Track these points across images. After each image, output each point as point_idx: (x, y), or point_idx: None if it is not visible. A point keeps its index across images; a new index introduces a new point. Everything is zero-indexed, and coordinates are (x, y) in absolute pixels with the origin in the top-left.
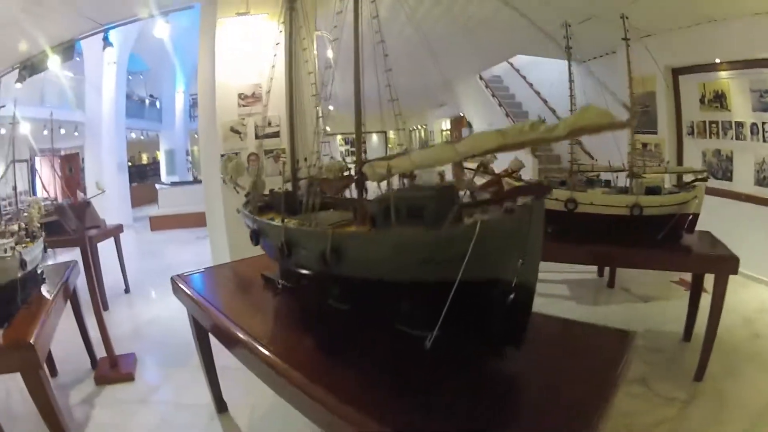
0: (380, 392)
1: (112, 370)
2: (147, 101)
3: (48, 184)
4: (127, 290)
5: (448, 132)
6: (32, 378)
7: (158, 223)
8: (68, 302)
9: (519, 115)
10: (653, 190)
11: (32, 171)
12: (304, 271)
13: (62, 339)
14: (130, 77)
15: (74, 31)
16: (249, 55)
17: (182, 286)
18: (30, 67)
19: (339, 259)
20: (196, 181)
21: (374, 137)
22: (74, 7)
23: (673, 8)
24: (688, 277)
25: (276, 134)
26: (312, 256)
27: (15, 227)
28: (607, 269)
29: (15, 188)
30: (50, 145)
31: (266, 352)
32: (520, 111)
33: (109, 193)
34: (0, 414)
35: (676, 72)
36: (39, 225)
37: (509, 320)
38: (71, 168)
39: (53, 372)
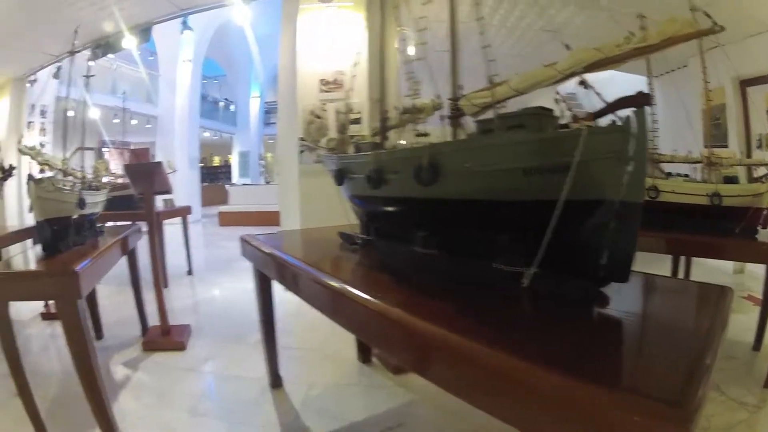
0: (476, 332)
1: (164, 337)
2: (222, 104)
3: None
4: (189, 272)
5: None
6: (69, 308)
7: (227, 219)
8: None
9: None
10: (731, 180)
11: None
12: (390, 209)
13: (114, 309)
14: (205, 81)
15: (152, 14)
16: (331, 42)
17: (252, 242)
18: (104, 46)
19: (436, 175)
20: (267, 184)
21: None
22: None
23: (740, 16)
24: (756, 294)
25: (357, 121)
26: (405, 178)
27: (80, 174)
28: (680, 273)
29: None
30: (119, 135)
31: (349, 288)
32: None
33: (178, 187)
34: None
35: (745, 83)
36: (103, 182)
37: (614, 249)
38: (140, 162)
39: (99, 335)
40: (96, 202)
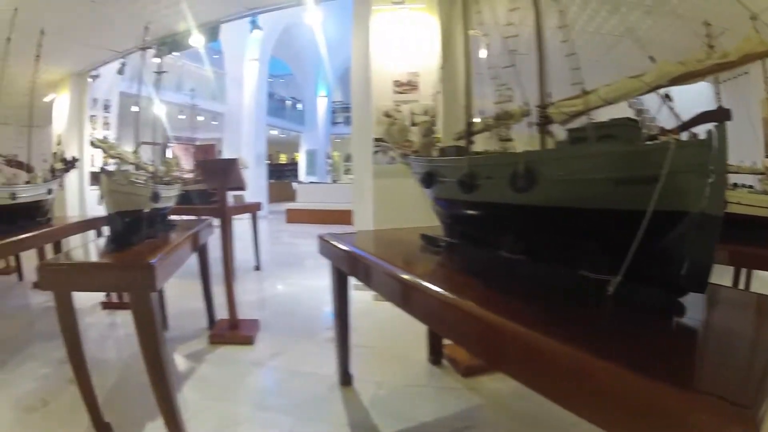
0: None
1: (231, 331)
2: (289, 102)
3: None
4: (257, 267)
5: None
6: (142, 300)
7: (294, 216)
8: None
9: None
10: None
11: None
12: (479, 213)
13: (180, 300)
14: (271, 79)
15: (221, 13)
16: (404, 44)
17: (331, 240)
18: (171, 44)
19: (531, 182)
20: (334, 183)
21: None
22: None
23: None
24: None
25: (432, 123)
26: (499, 184)
27: (151, 168)
28: (741, 284)
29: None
30: (186, 131)
31: (429, 285)
32: None
33: (246, 184)
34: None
35: None
36: (175, 176)
37: (694, 260)
38: (206, 158)
39: (165, 325)
40: (169, 196)
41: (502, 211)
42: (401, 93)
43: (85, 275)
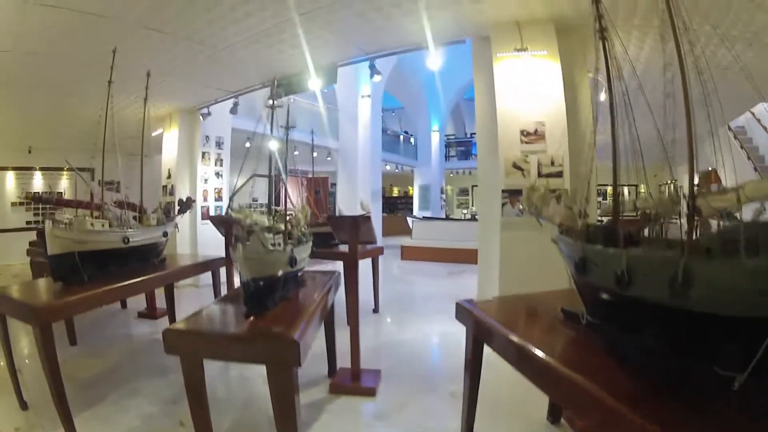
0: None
1: (354, 382)
2: (401, 137)
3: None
4: (375, 310)
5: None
6: (283, 376)
7: (409, 253)
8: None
9: (764, 170)
10: None
11: (275, 185)
12: (624, 302)
13: None
14: (382, 113)
15: (338, 56)
16: (529, 91)
17: (469, 308)
18: (287, 86)
19: (688, 287)
20: (449, 218)
21: (625, 190)
22: (344, 34)
23: None
24: None
25: (559, 174)
26: (656, 283)
27: (282, 226)
28: None
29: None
30: (302, 165)
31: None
32: (763, 165)
33: (376, 237)
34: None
35: None
36: (306, 230)
37: None
38: (318, 190)
39: None
40: (303, 257)
41: (653, 308)
42: (528, 143)
43: (219, 345)
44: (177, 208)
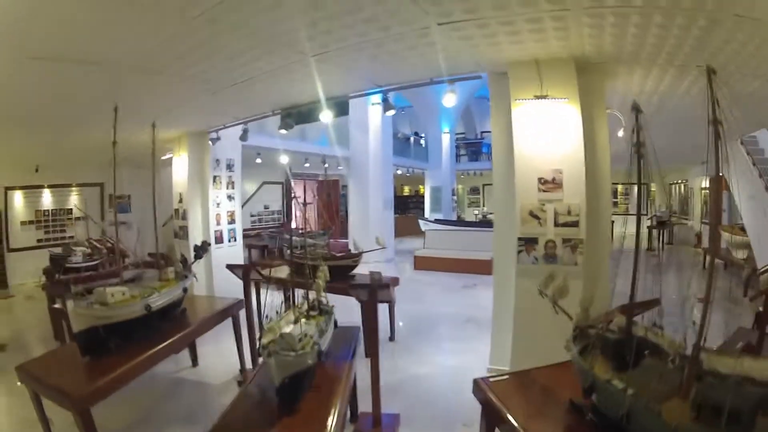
0: None
1: (375, 428)
2: (412, 139)
3: (303, 206)
4: (391, 338)
5: (707, 190)
6: None
7: (422, 263)
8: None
9: None
10: None
11: (287, 193)
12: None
13: None
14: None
15: (349, 89)
16: (548, 137)
17: (484, 387)
18: (297, 115)
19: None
20: (461, 220)
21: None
22: (355, 71)
23: None
24: None
25: (575, 223)
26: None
27: (305, 306)
28: None
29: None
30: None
31: None
32: None
33: (373, 228)
34: None
35: None
36: (326, 298)
37: None
38: (329, 194)
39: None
40: (328, 338)
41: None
42: (545, 191)
43: None
44: (193, 254)
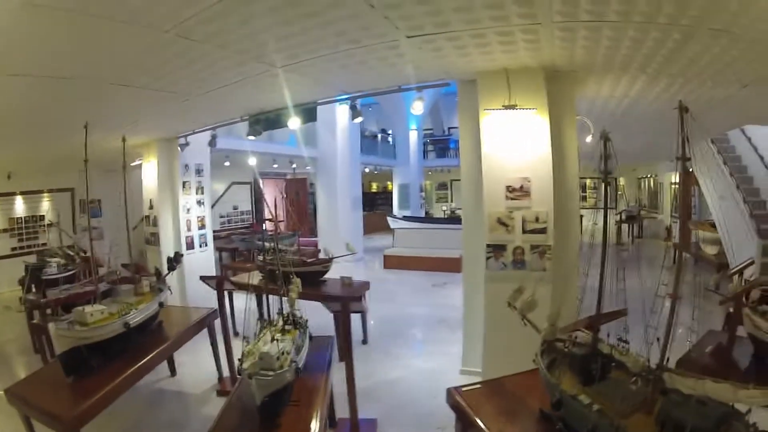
0: None
1: None
2: (379, 136)
3: (272, 206)
4: (364, 341)
5: (676, 185)
6: None
7: (392, 262)
8: None
9: (744, 181)
10: None
11: (255, 193)
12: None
13: None
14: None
15: (318, 96)
16: (516, 146)
17: (457, 398)
18: (265, 122)
19: None
20: (429, 217)
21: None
22: (325, 80)
23: None
24: None
25: (543, 230)
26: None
27: (280, 321)
28: None
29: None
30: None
31: None
32: (746, 175)
33: (341, 228)
34: None
35: None
36: (299, 312)
37: None
38: (298, 192)
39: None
40: (303, 354)
41: None
42: (513, 199)
43: None
44: (165, 266)
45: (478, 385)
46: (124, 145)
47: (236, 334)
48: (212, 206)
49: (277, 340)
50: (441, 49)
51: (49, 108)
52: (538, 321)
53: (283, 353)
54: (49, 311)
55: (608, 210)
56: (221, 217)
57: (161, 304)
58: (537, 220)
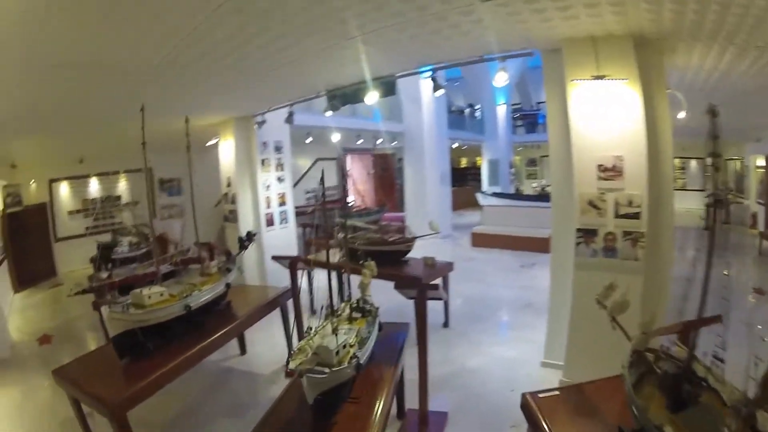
0: None
1: (421, 428)
2: (467, 111)
3: (359, 182)
4: (446, 324)
5: (764, 169)
6: None
7: (480, 240)
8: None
9: None
10: None
11: (342, 169)
12: None
13: None
14: (445, 84)
15: (396, 69)
16: (607, 121)
17: (531, 405)
18: (342, 96)
19: None
20: (519, 193)
21: (692, 163)
22: (400, 52)
23: None
24: None
25: (636, 215)
26: None
27: (347, 309)
28: None
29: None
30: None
31: None
32: None
33: (430, 205)
34: None
35: None
36: (370, 298)
37: None
38: (385, 167)
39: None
40: (370, 347)
41: None
42: (605, 179)
43: None
44: (238, 245)
45: (556, 392)
46: (188, 126)
47: (314, 312)
48: (295, 184)
49: (338, 332)
50: (519, 14)
51: (107, 95)
52: (628, 321)
53: (344, 346)
54: (107, 294)
55: (719, 199)
56: (307, 192)
57: (228, 285)
58: (630, 203)
